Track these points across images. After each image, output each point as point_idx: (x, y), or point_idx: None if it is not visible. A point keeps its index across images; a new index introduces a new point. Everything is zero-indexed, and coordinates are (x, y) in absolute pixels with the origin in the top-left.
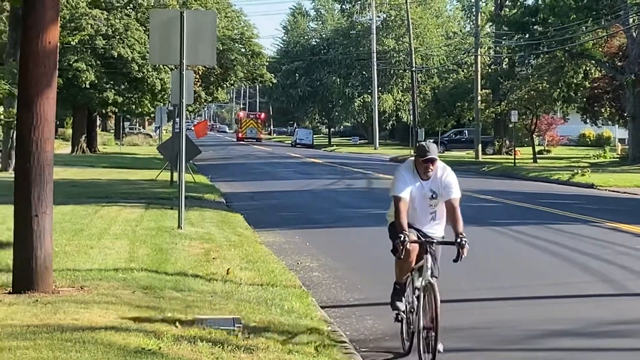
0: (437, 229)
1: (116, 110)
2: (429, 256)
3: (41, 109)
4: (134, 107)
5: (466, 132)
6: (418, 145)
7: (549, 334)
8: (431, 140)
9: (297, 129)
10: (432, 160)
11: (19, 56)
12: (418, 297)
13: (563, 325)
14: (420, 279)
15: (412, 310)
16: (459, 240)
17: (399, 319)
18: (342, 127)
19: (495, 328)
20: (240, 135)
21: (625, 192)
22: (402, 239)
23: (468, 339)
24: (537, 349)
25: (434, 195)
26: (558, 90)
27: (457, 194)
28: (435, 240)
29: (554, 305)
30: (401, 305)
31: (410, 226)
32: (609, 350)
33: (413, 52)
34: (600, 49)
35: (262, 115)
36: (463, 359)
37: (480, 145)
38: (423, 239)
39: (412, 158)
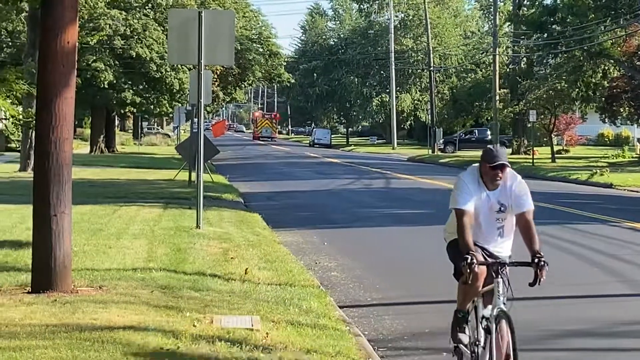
0: (505, 247)
1: (134, 110)
2: (500, 280)
3: (60, 109)
4: (152, 107)
5: (476, 132)
6: (485, 150)
7: (567, 334)
8: (504, 142)
9: (315, 129)
10: (502, 167)
11: (38, 56)
12: (487, 329)
13: (581, 325)
14: (490, 307)
15: (478, 343)
16: (536, 260)
17: (458, 352)
18: (360, 126)
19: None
20: (256, 134)
21: None
22: (469, 260)
23: None
24: (555, 349)
25: (502, 208)
26: (576, 89)
27: (530, 205)
28: (507, 262)
29: (572, 305)
30: (464, 338)
31: (474, 244)
32: (628, 351)
33: (431, 51)
34: (618, 49)
35: (277, 115)
36: None
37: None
38: (493, 260)
39: (476, 164)
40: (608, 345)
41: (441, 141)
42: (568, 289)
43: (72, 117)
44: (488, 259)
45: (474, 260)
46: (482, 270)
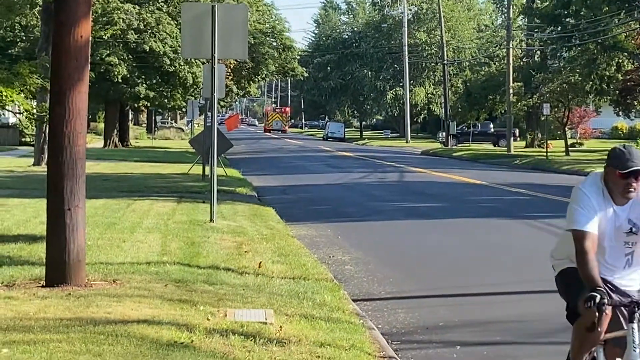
0: (634, 280)
1: (148, 105)
2: (635, 325)
3: (73, 103)
4: (165, 101)
5: (479, 125)
6: (613, 151)
7: None
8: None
9: (328, 123)
10: (637, 174)
11: (51, 50)
12: None
13: None
14: None
15: None
16: None
17: None
18: (373, 120)
19: (527, 321)
20: (267, 127)
21: None
22: (598, 300)
23: (498, 332)
24: (569, 342)
25: (633, 229)
26: (590, 82)
27: None
28: None
29: None
30: None
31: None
32: None
33: (445, 45)
34: (632, 41)
35: (287, 109)
36: (491, 352)
37: (512, 139)
38: (626, 299)
39: (599, 172)
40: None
41: (443, 134)
42: None
43: (86, 111)
44: (613, 295)
45: (605, 301)
46: (608, 312)
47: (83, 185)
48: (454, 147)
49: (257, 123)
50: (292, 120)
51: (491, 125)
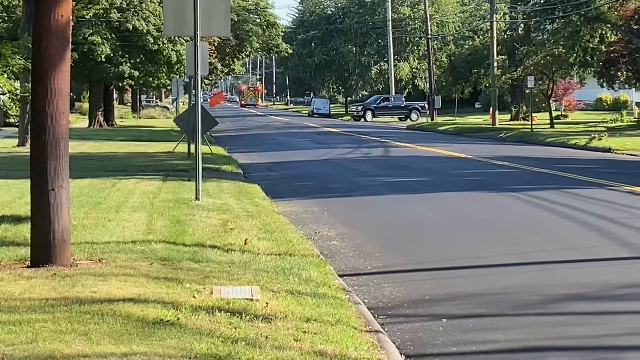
0: None
1: (132, 84)
2: None
3: (55, 82)
4: (150, 79)
5: (392, 99)
6: None
7: (566, 298)
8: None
9: (313, 99)
10: None
11: (32, 30)
12: None
13: (580, 289)
14: None
15: None
16: None
17: None
18: (359, 95)
19: (512, 293)
20: (242, 102)
21: None
22: None
23: (483, 305)
24: (554, 313)
25: None
26: (574, 54)
27: None
28: None
29: (572, 270)
30: None
31: None
32: (627, 314)
33: (428, 19)
34: (615, 13)
35: (259, 87)
36: (477, 324)
37: (497, 112)
38: None
39: None
40: (605, 308)
41: (360, 108)
42: (566, 253)
43: (68, 91)
44: None
45: None
46: None
47: (67, 165)
48: (367, 122)
49: (237, 100)
50: (277, 97)
51: (403, 99)
